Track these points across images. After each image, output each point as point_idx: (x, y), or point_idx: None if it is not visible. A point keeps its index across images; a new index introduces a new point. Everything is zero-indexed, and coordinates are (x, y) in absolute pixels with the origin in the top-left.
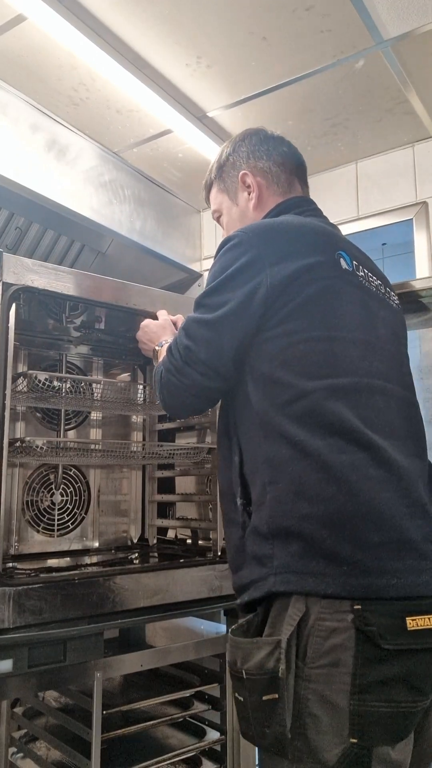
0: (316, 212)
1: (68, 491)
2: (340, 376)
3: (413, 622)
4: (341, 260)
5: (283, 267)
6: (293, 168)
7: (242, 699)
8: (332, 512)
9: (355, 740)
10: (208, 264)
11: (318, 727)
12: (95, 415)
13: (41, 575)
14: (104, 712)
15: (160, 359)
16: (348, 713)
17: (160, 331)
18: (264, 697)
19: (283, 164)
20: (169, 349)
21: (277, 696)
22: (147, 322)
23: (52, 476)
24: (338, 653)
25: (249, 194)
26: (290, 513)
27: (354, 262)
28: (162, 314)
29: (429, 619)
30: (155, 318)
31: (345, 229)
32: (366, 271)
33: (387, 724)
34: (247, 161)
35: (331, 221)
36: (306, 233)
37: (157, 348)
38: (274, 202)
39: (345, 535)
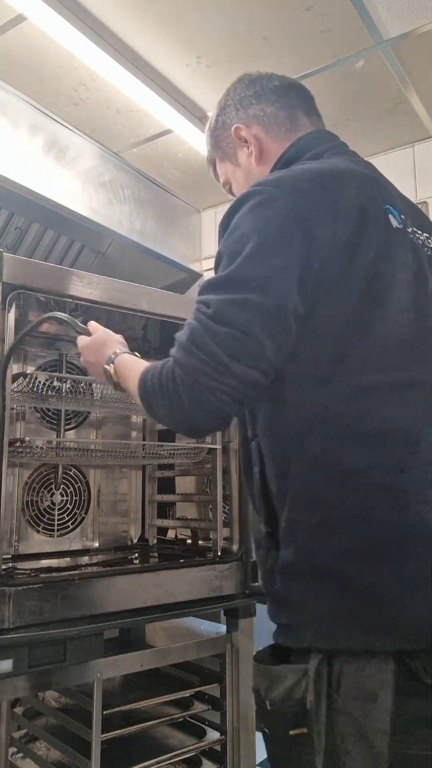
0: (340, 149)
1: (68, 491)
2: (398, 369)
3: None
4: (390, 216)
5: (328, 230)
6: (293, 100)
7: (268, 732)
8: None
9: None
10: (208, 264)
11: (354, 766)
12: (95, 415)
13: (41, 575)
14: (104, 712)
15: (134, 374)
16: (386, 755)
17: (105, 345)
18: (291, 732)
19: (277, 100)
20: (189, 343)
21: (306, 730)
22: (84, 343)
23: (52, 476)
24: (375, 686)
25: (248, 148)
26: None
27: (402, 216)
28: (94, 326)
29: None
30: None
31: None
32: (414, 228)
33: (427, 765)
34: (237, 114)
35: None
36: (347, 182)
37: (107, 366)
38: (280, 148)
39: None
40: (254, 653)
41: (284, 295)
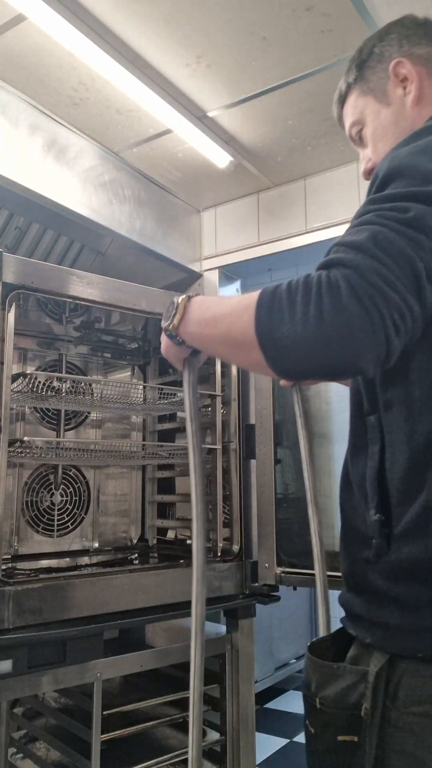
0: None
1: (68, 491)
2: None
3: None
4: None
5: None
6: None
7: (313, 732)
8: None
9: None
10: (208, 264)
11: None
12: (95, 415)
13: (41, 576)
14: (104, 712)
15: (228, 300)
16: None
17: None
18: (339, 738)
19: None
20: (373, 245)
21: (356, 739)
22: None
23: (51, 476)
24: None
25: (405, 88)
26: None
27: None
28: None
29: None
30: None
31: (345, 229)
32: None
33: None
34: (400, 48)
35: (331, 221)
36: None
37: (178, 305)
38: None
39: None
40: (311, 641)
41: None
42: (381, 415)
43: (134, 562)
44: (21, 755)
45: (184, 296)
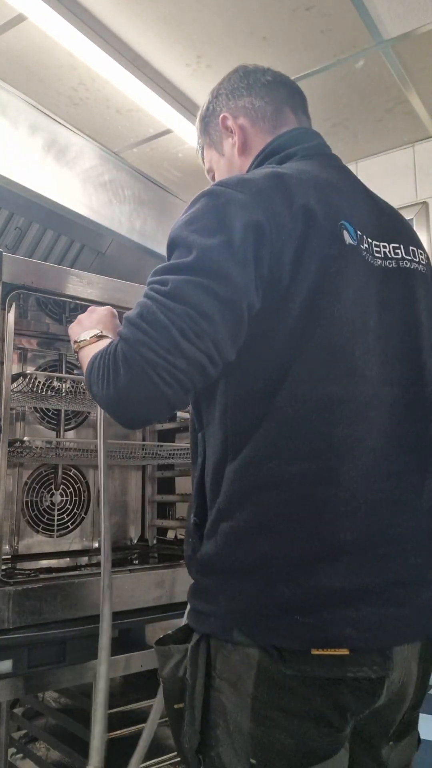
0: (315, 149)
1: (68, 491)
2: (335, 384)
3: (318, 649)
4: (344, 232)
5: (279, 240)
6: (281, 96)
7: (165, 706)
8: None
9: (254, 761)
10: None
11: (225, 742)
12: (95, 415)
13: (41, 575)
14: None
15: (93, 349)
16: (247, 734)
17: (98, 321)
18: (175, 706)
19: (267, 95)
20: (138, 317)
21: (183, 705)
22: (90, 310)
23: (51, 476)
24: (241, 670)
25: (232, 138)
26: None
27: (358, 232)
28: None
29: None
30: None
31: None
32: (374, 241)
33: (290, 755)
34: (227, 103)
35: None
36: (305, 191)
37: (80, 340)
38: (262, 142)
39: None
40: (161, 636)
41: (243, 290)
42: (204, 432)
43: (134, 562)
44: (21, 755)
45: (95, 333)
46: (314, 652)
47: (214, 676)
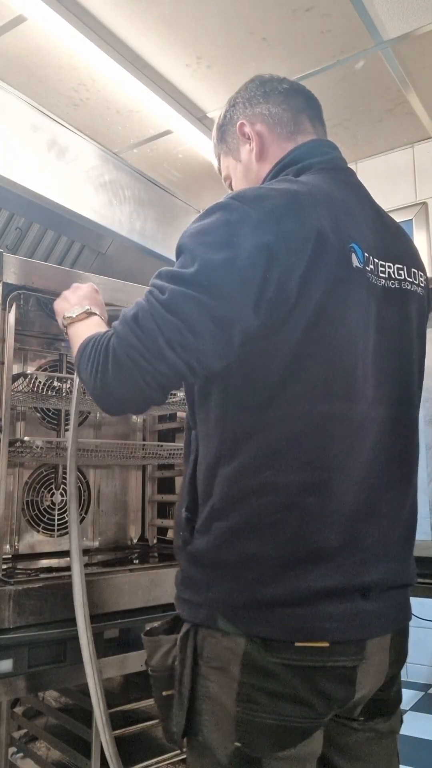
0: (331, 163)
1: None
2: (329, 403)
3: (301, 642)
4: (352, 255)
5: (287, 261)
6: (298, 104)
7: (154, 694)
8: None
9: (238, 744)
10: None
11: (211, 725)
12: (95, 415)
13: (41, 575)
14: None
15: (88, 332)
16: (233, 717)
17: (85, 298)
18: (164, 693)
19: (284, 102)
20: (132, 319)
21: (172, 692)
22: (74, 287)
23: (52, 476)
24: (228, 657)
25: (250, 145)
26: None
27: (365, 255)
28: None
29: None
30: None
31: None
32: (379, 261)
33: (271, 734)
34: (244, 111)
35: None
36: (317, 212)
37: (69, 315)
38: (279, 149)
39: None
40: (148, 628)
41: (239, 311)
42: (198, 430)
43: (134, 561)
44: (21, 755)
45: (84, 309)
46: (297, 644)
47: (202, 663)
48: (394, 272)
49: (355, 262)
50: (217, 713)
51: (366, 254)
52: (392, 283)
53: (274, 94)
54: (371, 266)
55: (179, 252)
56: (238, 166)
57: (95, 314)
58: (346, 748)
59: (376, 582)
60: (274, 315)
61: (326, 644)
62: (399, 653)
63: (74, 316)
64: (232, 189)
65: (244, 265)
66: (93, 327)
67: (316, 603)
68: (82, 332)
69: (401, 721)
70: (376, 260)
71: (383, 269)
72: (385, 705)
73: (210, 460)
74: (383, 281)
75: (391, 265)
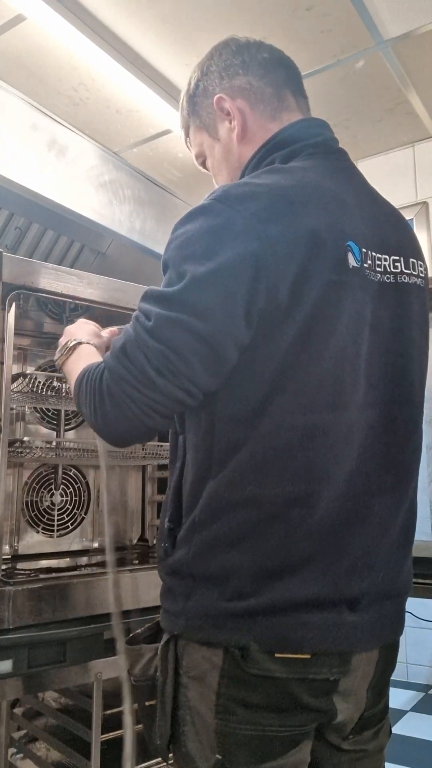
0: (321, 147)
1: (68, 491)
2: (319, 413)
3: (281, 653)
4: (348, 254)
5: (278, 268)
6: (281, 76)
7: (136, 705)
8: None
9: (219, 756)
10: None
11: (192, 736)
12: None
13: (41, 575)
14: (104, 712)
15: (79, 365)
16: (212, 728)
17: (72, 333)
18: (147, 703)
19: (266, 75)
20: (121, 351)
21: (154, 702)
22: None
23: (51, 476)
24: (206, 668)
25: (230, 123)
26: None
27: (362, 251)
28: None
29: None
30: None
31: None
32: (377, 255)
33: (252, 746)
34: (221, 82)
35: None
36: (309, 211)
37: (56, 359)
38: (263, 129)
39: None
40: (130, 635)
41: (227, 326)
42: (185, 436)
43: (134, 562)
44: (21, 755)
45: (74, 341)
46: (277, 655)
47: (182, 674)
48: (390, 265)
49: (352, 261)
50: (198, 724)
51: (363, 250)
52: (388, 278)
53: (254, 65)
54: (369, 262)
55: (165, 267)
56: (215, 145)
57: (81, 342)
58: None
59: (364, 592)
60: (263, 325)
61: (308, 656)
62: (387, 665)
63: (62, 355)
64: (206, 168)
65: (229, 278)
66: (82, 358)
67: (296, 613)
68: (72, 368)
69: (390, 734)
70: (373, 254)
71: (379, 263)
72: (372, 717)
73: (198, 472)
74: (379, 276)
75: (387, 257)
